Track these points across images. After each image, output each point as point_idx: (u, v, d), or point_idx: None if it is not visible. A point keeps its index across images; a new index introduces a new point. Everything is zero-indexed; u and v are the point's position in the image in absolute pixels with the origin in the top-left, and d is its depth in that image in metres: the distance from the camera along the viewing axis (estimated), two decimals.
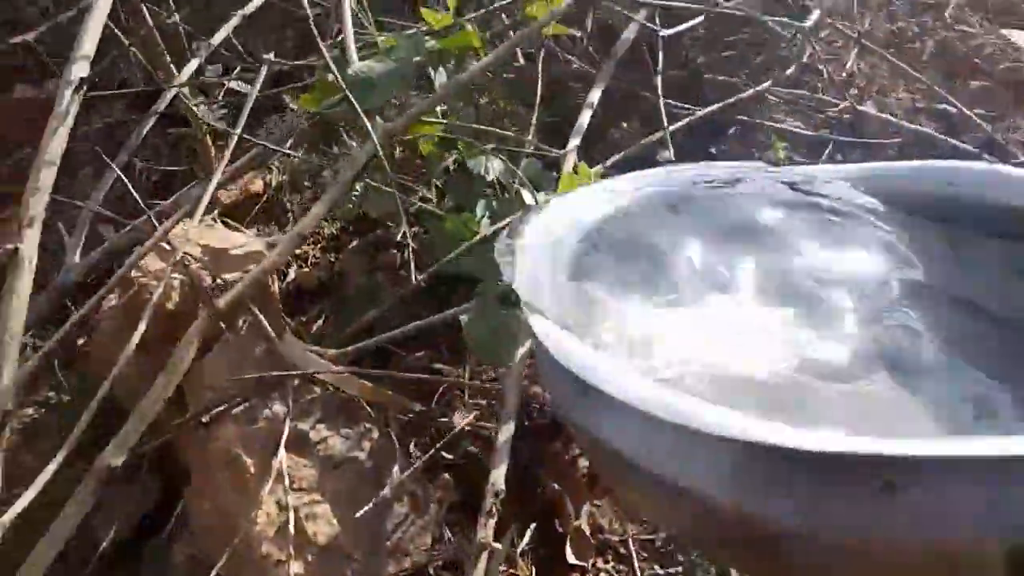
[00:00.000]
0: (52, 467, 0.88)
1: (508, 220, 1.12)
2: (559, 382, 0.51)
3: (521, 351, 0.95)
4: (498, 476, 0.84)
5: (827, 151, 1.58)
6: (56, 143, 0.94)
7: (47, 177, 0.92)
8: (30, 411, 1.48)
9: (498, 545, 0.77)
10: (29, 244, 0.89)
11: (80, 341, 1.55)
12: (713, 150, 1.72)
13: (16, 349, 0.84)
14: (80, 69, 0.98)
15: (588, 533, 1.01)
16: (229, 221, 1.52)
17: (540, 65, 1.28)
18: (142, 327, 1.04)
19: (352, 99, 1.10)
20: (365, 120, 1.07)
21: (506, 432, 0.88)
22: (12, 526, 0.82)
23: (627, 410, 0.45)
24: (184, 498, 1.10)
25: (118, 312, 1.27)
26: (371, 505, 0.86)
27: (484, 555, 0.78)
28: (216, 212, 1.51)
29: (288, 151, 1.11)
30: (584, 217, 0.67)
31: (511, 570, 0.96)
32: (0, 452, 0.82)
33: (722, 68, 1.79)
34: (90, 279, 1.43)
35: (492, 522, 0.81)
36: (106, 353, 1.37)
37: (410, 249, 0.94)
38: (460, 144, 1.23)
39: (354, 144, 1.28)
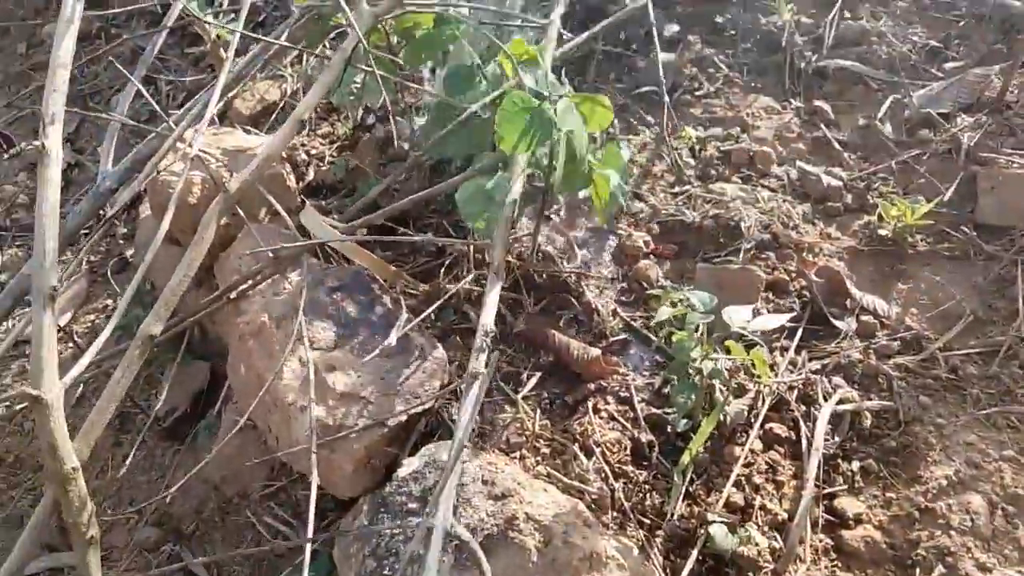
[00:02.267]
0: (105, 334, 0.98)
1: (495, 94, 1.15)
2: None
3: (504, 214, 1.00)
4: (487, 318, 0.90)
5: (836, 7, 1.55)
6: (66, 45, 1.01)
7: (61, 77, 0.99)
8: (91, 317, 1.63)
9: (484, 370, 0.84)
10: (53, 139, 0.97)
11: (129, 253, 1.69)
12: (719, 19, 1.70)
13: (55, 223, 0.92)
14: None
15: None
16: (249, 128, 1.61)
17: None
18: (167, 218, 1.12)
19: None
20: (346, 8, 1.10)
21: (494, 282, 0.94)
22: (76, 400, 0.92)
23: None
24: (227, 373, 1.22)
25: (152, 219, 1.38)
26: (377, 352, 0.94)
27: (476, 383, 0.85)
28: (237, 124, 1.59)
29: (286, 43, 1.16)
30: None
31: (516, 413, 1.04)
32: (55, 326, 0.91)
33: None
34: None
35: (483, 356, 0.88)
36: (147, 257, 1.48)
37: (392, 121, 0.98)
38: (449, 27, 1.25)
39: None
